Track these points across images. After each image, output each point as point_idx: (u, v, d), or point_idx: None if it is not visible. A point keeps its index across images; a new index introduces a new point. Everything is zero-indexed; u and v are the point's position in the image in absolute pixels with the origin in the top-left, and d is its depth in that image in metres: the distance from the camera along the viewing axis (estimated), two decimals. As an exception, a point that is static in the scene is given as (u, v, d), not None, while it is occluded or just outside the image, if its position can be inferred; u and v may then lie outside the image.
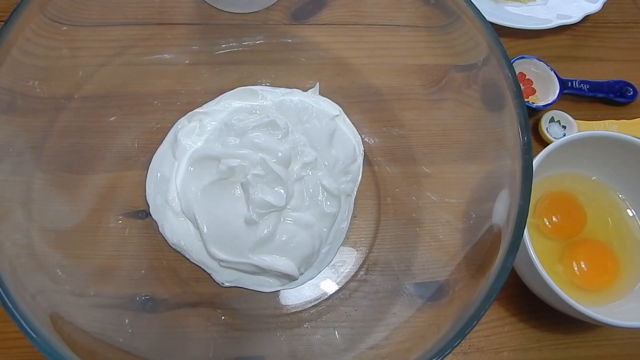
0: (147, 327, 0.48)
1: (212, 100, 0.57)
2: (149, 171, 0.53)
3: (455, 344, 0.36)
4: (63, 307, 0.42)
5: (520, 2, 0.69)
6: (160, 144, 0.54)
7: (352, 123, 0.57)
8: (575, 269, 0.51)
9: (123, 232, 0.51)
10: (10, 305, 0.35)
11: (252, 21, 0.58)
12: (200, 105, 0.56)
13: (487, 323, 0.52)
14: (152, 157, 0.54)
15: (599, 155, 0.53)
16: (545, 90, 0.63)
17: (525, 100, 0.62)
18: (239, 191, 0.49)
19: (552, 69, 0.63)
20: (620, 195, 0.55)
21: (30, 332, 0.34)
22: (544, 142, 0.60)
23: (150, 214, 0.52)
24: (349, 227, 0.53)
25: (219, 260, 0.49)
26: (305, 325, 0.50)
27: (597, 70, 0.66)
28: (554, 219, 0.53)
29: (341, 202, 0.52)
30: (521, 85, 0.63)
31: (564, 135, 0.60)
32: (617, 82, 0.65)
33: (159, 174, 0.53)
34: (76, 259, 0.47)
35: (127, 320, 0.47)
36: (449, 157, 0.53)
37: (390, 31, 0.57)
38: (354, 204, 0.54)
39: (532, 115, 0.62)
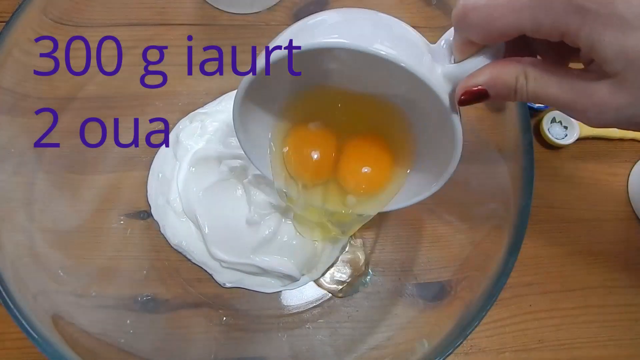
0: (149, 327, 0.48)
1: (213, 101, 0.57)
2: (150, 172, 0.53)
3: (457, 344, 0.36)
4: (64, 307, 0.42)
5: (522, 2, 0.69)
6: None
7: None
8: None
9: (125, 232, 0.51)
10: (12, 306, 0.35)
11: (253, 22, 0.58)
12: (201, 105, 0.56)
13: (489, 324, 0.52)
14: (154, 157, 0.54)
15: None
16: (547, 90, 0.63)
17: (527, 100, 0.62)
18: (240, 192, 0.49)
19: (553, 70, 0.63)
20: None
21: (32, 332, 0.34)
22: (545, 143, 0.60)
23: (151, 215, 0.52)
24: (350, 228, 0.53)
25: (221, 261, 0.49)
26: (307, 326, 0.50)
27: (599, 71, 0.66)
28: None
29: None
30: (523, 85, 0.63)
31: (566, 135, 0.60)
32: (618, 83, 0.65)
33: (160, 175, 0.53)
34: (78, 260, 0.47)
35: (128, 321, 0.47)
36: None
37: (392, 32, 0.57)
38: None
39: (533, 116, 0.62)
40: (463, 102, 0.31)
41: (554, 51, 0.31)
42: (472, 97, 0.30)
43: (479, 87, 0.30)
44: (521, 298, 0.53)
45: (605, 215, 0.58)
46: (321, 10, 0.35)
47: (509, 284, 0.37)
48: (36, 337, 0.34)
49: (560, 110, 0.29)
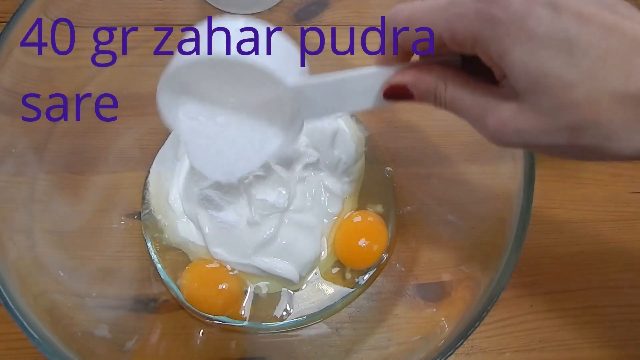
0: (150, 328, 0.48)
1: (214, 101, 0.56)
2: (151, 172, 0.53)
3: (458, 345, 0.36)
4: (65, 308, 0.42)
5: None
6: (163, 144, 0.54)
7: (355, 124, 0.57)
8: None
9: (125, 233, 0.51)
10: (13, 306, 0.35)
11: (254, 22, 0.58)
12: (202, 106, 0.56)
13: (490, 324, 0.52)
14: (155, 158, 0.54)
15: None
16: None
17: (528, 100, 0.62)
18: (241, 192, 0.49)
19: (554, 70, 0.63)
20: None
21: (32, 332, 0.34)
22: (546, 143, 0.60)
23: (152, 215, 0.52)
24: (351, 228, 0.53)
25: (221, 261, 0.49)
26: (307, 327, 0.50)
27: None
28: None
29: (344, 202, 0.52)
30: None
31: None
32: (619, 83, 0.65)
33: (161, 175, 0.53)
34: (79, 260, 0.47)
35: (129, 321, 0.47)
36: (452, 157, 0.53)
37: (393, 32, 0.57)
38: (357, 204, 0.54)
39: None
40: (386, 95, 0.31)
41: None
42: (394, 92, 0.30)
43: (403, 84, 0.30)
44: (522, 298, 0.53)
45: (606, 216, 0.58)
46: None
47: (509, 284, 0.37)
48: (36, 337, 0.34)
49: (472, 125, 0.28)
